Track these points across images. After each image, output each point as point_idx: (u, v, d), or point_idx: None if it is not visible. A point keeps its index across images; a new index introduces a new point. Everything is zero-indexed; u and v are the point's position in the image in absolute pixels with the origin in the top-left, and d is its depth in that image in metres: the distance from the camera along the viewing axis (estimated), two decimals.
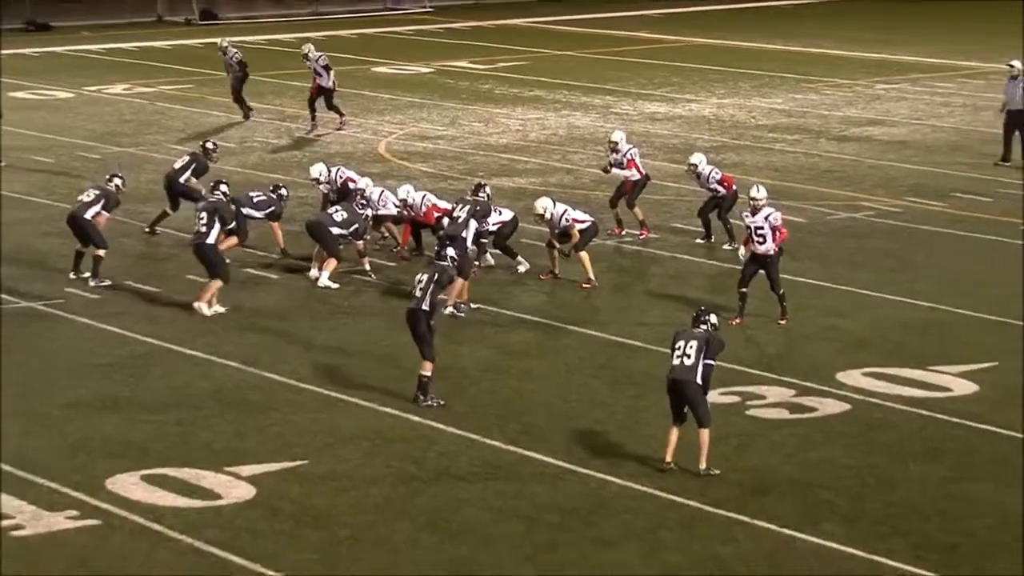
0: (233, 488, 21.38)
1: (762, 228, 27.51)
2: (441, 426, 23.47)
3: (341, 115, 45.16)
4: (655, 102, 49.65)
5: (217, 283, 28.65)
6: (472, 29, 66.63)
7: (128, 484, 21.50)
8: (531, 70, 56.07)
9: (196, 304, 28.48)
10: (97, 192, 31.15)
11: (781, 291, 27.71)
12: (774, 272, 27.67)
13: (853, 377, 25.32)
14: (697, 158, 33.29)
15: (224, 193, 29.79)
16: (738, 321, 27.60)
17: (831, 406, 24.24)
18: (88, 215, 30.52)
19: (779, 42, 61.91)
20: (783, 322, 27.75)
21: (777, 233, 27.76)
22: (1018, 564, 19.01)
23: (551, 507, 20.73)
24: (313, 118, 45.09)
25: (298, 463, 22.17)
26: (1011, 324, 27.70)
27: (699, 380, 21.35)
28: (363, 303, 29.38)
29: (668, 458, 21.47)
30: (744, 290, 27.84)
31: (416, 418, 23.74)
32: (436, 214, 31.06)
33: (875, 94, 50.83)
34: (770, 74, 54.69)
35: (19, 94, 52.15)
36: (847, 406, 24.23)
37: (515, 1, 73.52)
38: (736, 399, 24.37)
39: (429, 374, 23.97)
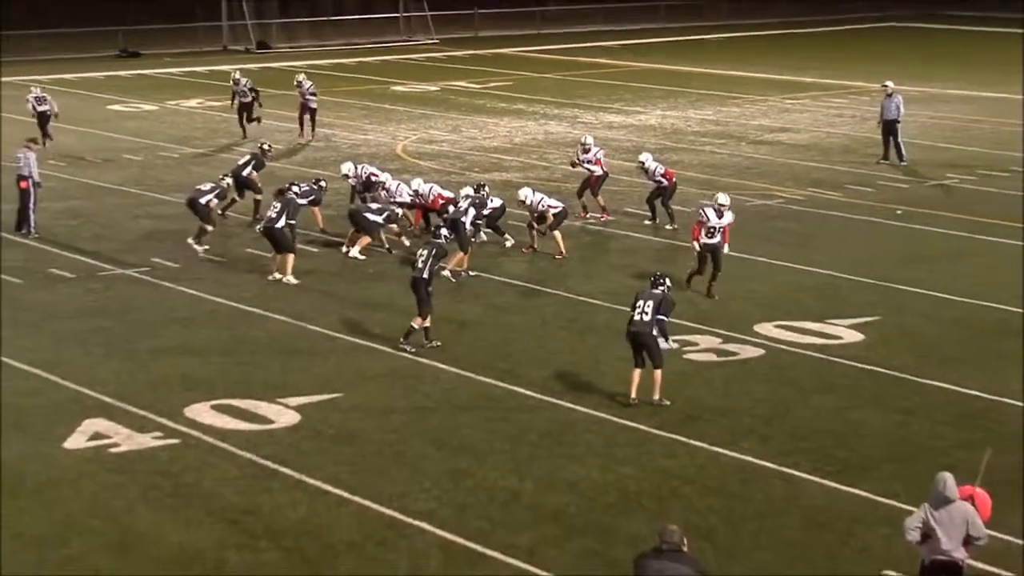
0: (283, 415, 21.57)
1: (717, 228, 27.32)
2: (444, 366, 23.65)
3: (312, 131, 45.06)
4: (612, 114, 49.66)
5: (291, 257, 28.81)
6: (470, 57, 66.46)
7: (201, 411, 21.69)
8: (516, 89, 55.99)
9: (285, 279, 28.52)
10: (213, 185, 31.68)
11: (719, 273, 27.49)
12: (721, 259, 27.43)
13: (766, 328, 25.50)
14: (644, 157, 33.43)
15: (295, 193, 30.00)
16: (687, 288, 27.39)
17: (749, 351, 24.43)
18: (203, 200, 31.12)
19: (709, 67, 61.81)
20: (713, 296, 27.43)
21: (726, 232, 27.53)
22: (894, 473, 19.25)
23: (530, 430, 20.93)
24: (302, 131, 44.84)
25: (334, 395, 22.36)
26: (889, 287, 27.93)
27: (655, 331, 21.52)
28: (384, 270, 29.52)
29: (633, 395, 21.63)
30: (715, 274, 27.53)
31: (425, 360, 23.93)
32: (441, 201, 31.29)
33: (783, 108, 50.83)
34: (701, 92, 54.63)
35: (115, 107, 52.23)
36: (761, 351, 24.41)
37: (503, 35, 73.29)
38: (675, 345, 24.50)
39: (416, 326, 24.24)
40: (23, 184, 32.79)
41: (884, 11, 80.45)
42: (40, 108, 43.50)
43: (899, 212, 34.08)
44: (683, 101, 52.24)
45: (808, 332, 25.21)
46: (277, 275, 28.76)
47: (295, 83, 45.52)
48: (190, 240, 30.84)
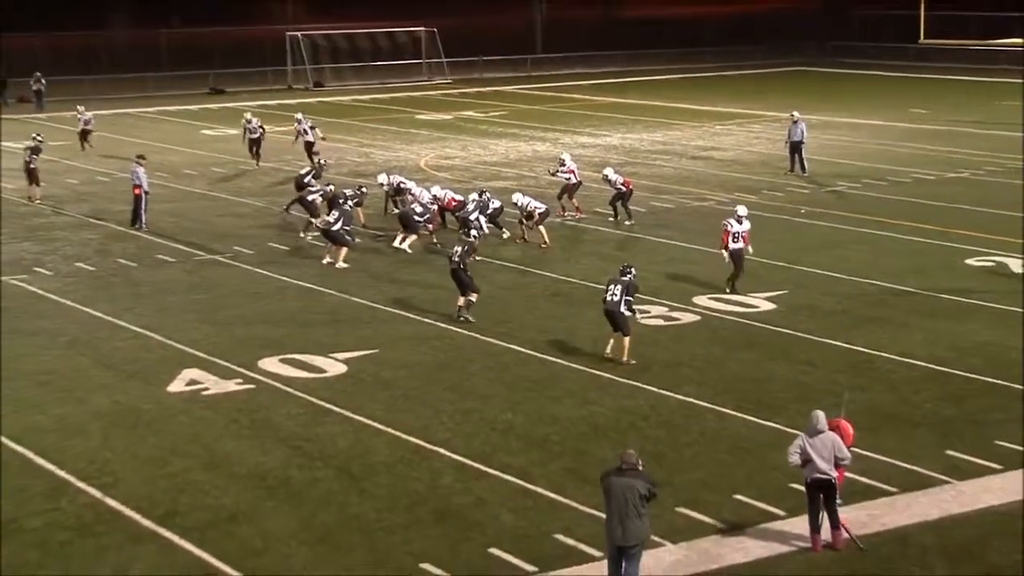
0: (333, 366, 21.60)
1: (740, 233, 25.81)
2: (458, 329, 23.64)
3: (313, 159, 39.65)
4: (584, 136, 49.57)
5: (344, 249, 28.65)
6: (477, 92, 66.39)
7: (271, 363, 21.73)
8: (512, 117, 55.91)
9: (338, 264, 28.33)
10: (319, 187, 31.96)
11: (742, 273, 25.84)
12: (743, 261, 25.83)
13: (702, 300, 25.40)
14: (607, 171, 33.26)
15: (346, 195, 30.26)
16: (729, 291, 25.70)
17: (689, 317, 24.38)
18: (309, 198, 31.40)
19: (658, 101, 61.77)
20: (728, 292, 25.62)
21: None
22: (800, 410, 19.22)
23: (523, 378, 20.95)
24: (314, 161, 39.66)
25: (373, 351, 22.37)
26: (795, 268, 27.87)
27: (622, 309, 21.40)
28: (413, 256, 29.51)
29: (607, 352, 21.57)
30: (738, 274, 25.84)
31: (443, 325, 23.92)
32: (454, 203, 31.23)
33: (714, 132, 50.73)
34: (652, 119, 54.55)
35: (207, 132, 52.17)
36: (698, 317, 24.36)
37: (501, 76, 73.27)
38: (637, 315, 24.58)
39: (462, 303, 23.98)
40: (136, 191, 32.77)
41: (790, 58, 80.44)
42: (253, 136, 42.48)
43: (803, 211, 34.02)
44: (638, 127, 52.14)
45: (733, 303, 25.18)
46: (329, 259, 28.68)
47: (295, 119, 42.86)
48: (301, 233, 31.14)
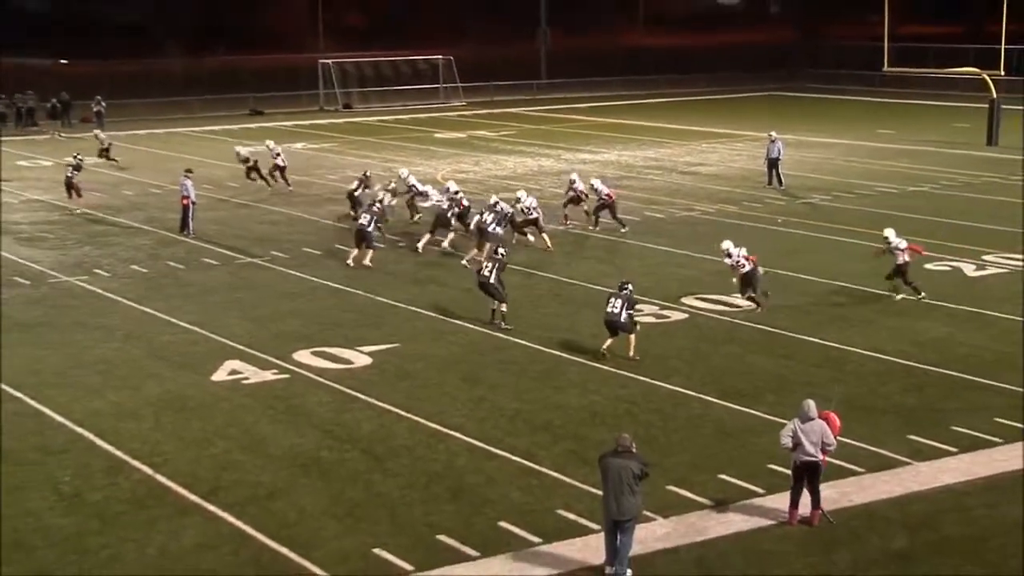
0: (360, 358, 21.56)
1: (738, 260, 24.26)
2: (471, 326, 23.61)
3: (288, 183, 39.40)
4: (585, 153, 49.45)
5: (371, 252, 28.56)
6: (488, 114, 66.32)
7: (304, 355, 21.71)
8: (520, 136, 55.83)
9: (365, 261, 28.31)
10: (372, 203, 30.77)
11: (754, 290, 24.40)
12: (756, 281, 24.35)
13: (689, 300, 25.36)
14: (595, 181, 32.95)
15: (380, 204, 30.39)
16: (760, 309, 24.14)
17: (677, 315, 24.31)
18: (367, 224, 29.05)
19: (650, 122, 61.67)
20: (759, 309, 24.18)
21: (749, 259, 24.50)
22: (778, 399, 19.20)
23: (529, 370, 20.89)
24: (272, 182, 39.66)
25: (395, 345, 22.34)
26: (773, 271, 27.52)
27: (623, 319, 21.12)
28: (434, 260, 29.45)
29: (603, 348, 21.28)
30: (751, 294, 24.33)
31: (458, 321, 23.88)
32: (464, 203, 31.08)
33: (701, 149, 50.60)
34: (645, 138, 54.47)
35: (243, 150, 52.04)
36: (686, 315, 24.29)
37: (511, 99, 73.18)
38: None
39: (494, 308, 23.40)
40: (184, 201, 32.82)
41: (768, 84, 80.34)
42: (278, 161, 39.62)
43: (780, 220, 33.91)
44: (633, 144, 52.04)
45: (718, 302, 25.11)
46: (351, 263, 28.58)
47: (266, 146, 41.06)
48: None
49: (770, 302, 24.38)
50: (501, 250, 24.72)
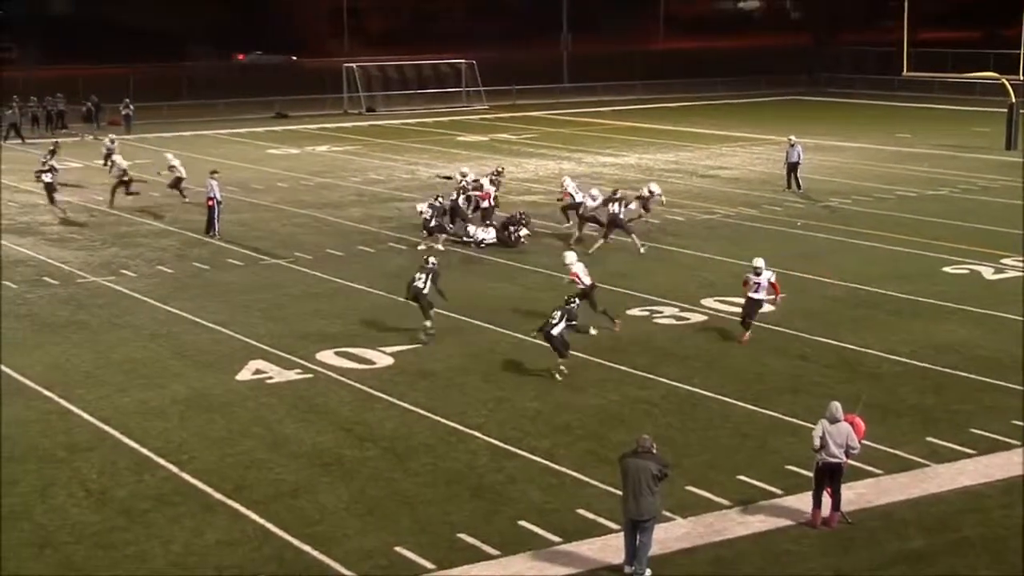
0: (382, 358, 21.57)
1: (759, 283, 22.32)
2: (490, 326, 23.57)
3: (182, 193, 37.58)
4: (606, 156, 49.39)
5: (443, 235, 29.69)
6: (510, 117, 66.28)
7: (327, 355, 21.74)
8: (541, 139, 55.80)
9: (437, 246, 28.58)
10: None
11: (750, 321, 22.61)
12: (755, 312, 22.56)
13: (709, 302, 25.29)
14: (594, 191, 31.56)
15: (436, 204, 30.72)
16: (745, 338, 22.35)
17: (697, 317, 24.25)
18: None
19: (670, 126, 61.55)
20: (745, 339, 22.36)
21: (773, 289, 22.58)
22: (794, 400, 19.13)
23: (549, 370, 20.87)
24: (182, 194, 37.71)
25: (416, 346, 22.34)
26: (791, 273, 27.47)
27: (555, 333, 19.95)
28: (453, 263, 29.40)
29: (555, 373, 20.19)
30: (748, 320, 22.54)
31: (477, 322, 23.81)
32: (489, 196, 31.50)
33: (720, 153, 50.48)
34: (666, 142, 54.34)
35: (271, 151, 52.14)
36: (706, 317, 24.22)
37: (532, 103, 73.13)
38: (647, 313, 24.47)
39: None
40: (209, 202, 32.92)
41: (787, 88, 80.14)
42: (174, 172, 38.15)
43: (799, 224, 33.78)
44: (653, 148, 51.94)
45: (737, 304, 24.83)
46: (423, 246, 29.40)
47: (167, 160, 38.68)
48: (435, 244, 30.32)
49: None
50: (432, 260, 23.46)
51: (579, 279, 22.97)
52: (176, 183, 37.72)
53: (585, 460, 16.80)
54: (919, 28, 78.04)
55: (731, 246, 30.77)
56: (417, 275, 22.54)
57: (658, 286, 26.65)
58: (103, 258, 30.24)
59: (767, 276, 22.45)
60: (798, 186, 39.27)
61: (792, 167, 39.51)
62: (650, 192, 32.00)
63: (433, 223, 30.17)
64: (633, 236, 29.95)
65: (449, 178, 33.06)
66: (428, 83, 73.27)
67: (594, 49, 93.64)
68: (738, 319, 23.29)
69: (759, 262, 22.64)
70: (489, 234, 31.15)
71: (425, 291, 22.34)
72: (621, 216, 29.63)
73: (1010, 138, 49.81)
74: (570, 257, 23.56)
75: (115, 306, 25.50)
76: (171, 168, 38.03)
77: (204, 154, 49.34)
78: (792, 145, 39.58)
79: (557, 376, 20.21)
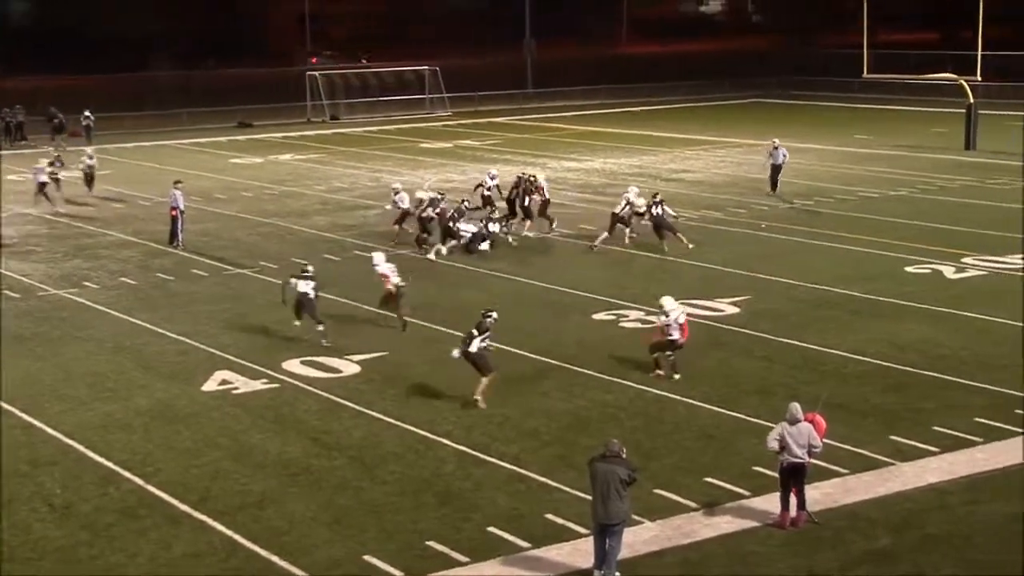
0: (348, 367, 21.51)
1: (669, 324, 20.29)
2: (456, 332, 23.43)
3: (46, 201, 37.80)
4: (570, 161, 49.40)
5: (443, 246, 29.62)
6: (474, 123, 66.28)
7: (293, 365, 21.68)
8: (505, 145, 55.81)
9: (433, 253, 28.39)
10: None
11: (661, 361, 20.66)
12: (673, 350, 20.44)
13: (676, 305, 25.25)
14: (631, 193, 31.70)
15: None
16: (660, 374, 20.48)
17: (663, 320, 24.20)
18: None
19: (634, 130, 61.68)
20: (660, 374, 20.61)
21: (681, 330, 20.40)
22: (760, 401, 19.19)
23: (516, 376, 20.69)
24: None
25: (382, 354, 22.27)
26: (756, 276, 27.80)
27: (473, 349, 19.17)
28: (419, 269, 29.36)
29: (476, 396, 19.18)
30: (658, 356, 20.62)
31: (443, 329, 23.64)
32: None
33: (684, 156, 50.63)
34: (630, 146, 54.46)
35: (233, 160, 51.89)
36: None
37: (496, 109, 73.12)
38: (613, 318, 24.49)
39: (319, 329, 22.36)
40: (172, 212, 32.77)
41: (749, 91, 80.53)
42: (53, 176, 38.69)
43: (764, 226, 33.88)
44: (617, 152, 52.04)
45: (701, 307, 25.06)
46: (431, 255, 29.63)
47: (81, 160, 41.54)
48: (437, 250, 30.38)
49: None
50: (310, 267, 23.31)
51: (388, 280, 23.56)
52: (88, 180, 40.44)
53: (553, 465, 16.79)
54: (880, 31, 78.69)
55: (696, 249, 30.85)
56: (295, 280, 22.80)
57: (625, 290, 26.67)
58: (64, 270, 30.02)
59: (676, 315, 20.28)
60: (773, 188, 39.15)
61: (776, 169, 39.35)
62: (628, 202, 31.72)
63: (434, 222, 30.11)
64: (679, 235, 30.61)
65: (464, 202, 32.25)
66: (391, 90, 73.19)
67: (558, 54, 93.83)
68: (704, 322, 23.35)
69: (667, 303, 20.45)
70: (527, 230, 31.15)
71: (311, 296, 22.61)
72: (665, 217, 30.49)
73: (969, 138, 50.27)
74: (378, 258, 24.06)
75: (78, 319, 25.31)
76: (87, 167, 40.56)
77: (166, 164, 49.08)
78: (776, 148, 39.35)
79: (480, 403, 18.99)
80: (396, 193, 32.54)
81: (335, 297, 26.58)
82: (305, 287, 22.65)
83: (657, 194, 31.33)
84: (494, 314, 19.61)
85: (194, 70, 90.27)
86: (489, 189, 34.90)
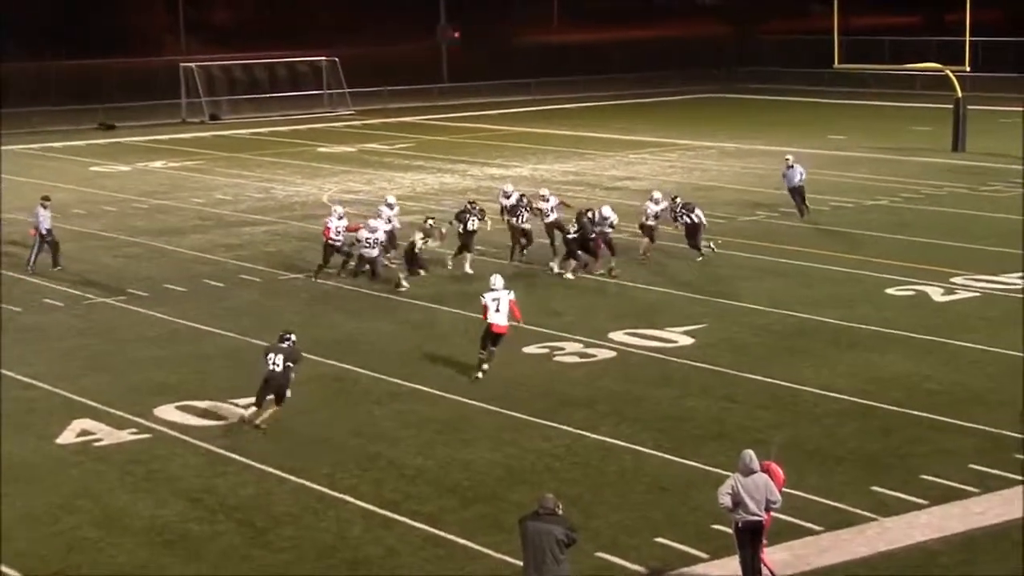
0: (233, 412, 21.25)
1: (501, 304, 22.56)
2: (361, 370, 23.44)
3: None
4: (494, 167, 49.56)
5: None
6: (381, 124, 66.30)
7: (167, 411, 21.57)
8: (417, 149, 55.87)
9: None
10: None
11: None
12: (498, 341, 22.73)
13: (618, 335, 25.38)
14: (606, 209, 31.73)
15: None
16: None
17: (605, 353, 24.33)
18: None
19: (569, 130, 62.03)
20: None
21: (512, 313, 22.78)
22: (720, 448, 19.32)
23: (433, 420, 20.63)
24: None
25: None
26: (712, 300, 28.00)
27: (288, 374, 20.15)
28: (317, 297, 29.22)
29: (256, 420, 20.52)
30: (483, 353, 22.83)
31: (345, 365, 23.59)
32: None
33: (628, 161, 50.97)
34: (563, 149, 54.74)
35: (95, 168, 51.46)
36: (614, 353, 24.33)
37: (406, 107, 73.16)
38: (547, 351, 24.52)
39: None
40: (32, 233, 32.57)
41: (703, 84, 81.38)
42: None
43: (719, 241, 33.66)
44: (550, 156, 52.29)
45: (651, 337, 25.22)
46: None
47: None
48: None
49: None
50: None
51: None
52: None
53: (477, 526, 16.78)
54: (851, 14, 79.90)
55: (642, 271, 31.03)
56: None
57: (559, 319, 26.75)
58: None
59: (505, 296, 22.55)
60: (805, 210, 37.32)
61: (794, 192, 37.27)
62: (602, 216, 31.54)
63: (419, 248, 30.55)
64: (650, 252, 32.09)
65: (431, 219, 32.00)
66: (283, 85, 72.99)
67: (478, 43, 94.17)
68: (654, 355, 23.50)
69: (494, 280, 23.06)
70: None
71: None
72: (696, 222, 31.83)
73: (957, 138, 50.82)
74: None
75: None
76: None
77: (12, 174, 48.46)
78: (791, 166, 37.22)
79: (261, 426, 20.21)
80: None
81: (216, 330, 26.42)
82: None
83: (676, 196, 32.88)
84: (293, 336, 20.73)
85: (45, 61, 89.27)
86: (512, 212, 33.04)
